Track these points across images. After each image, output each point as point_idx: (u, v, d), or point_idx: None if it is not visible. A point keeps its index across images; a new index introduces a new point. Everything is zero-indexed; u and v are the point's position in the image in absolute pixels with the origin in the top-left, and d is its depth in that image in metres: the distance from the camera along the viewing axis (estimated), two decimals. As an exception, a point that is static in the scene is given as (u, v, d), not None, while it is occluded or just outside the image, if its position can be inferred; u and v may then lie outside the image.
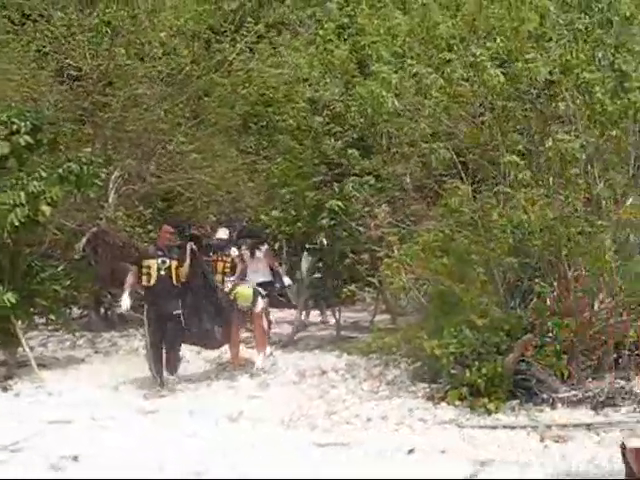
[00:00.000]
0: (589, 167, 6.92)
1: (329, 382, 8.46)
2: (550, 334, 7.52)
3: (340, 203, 8.61)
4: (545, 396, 7.08)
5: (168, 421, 7.02)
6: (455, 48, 7.17)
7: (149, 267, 8.47)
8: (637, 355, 7.73)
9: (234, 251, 9.98)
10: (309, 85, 11.24)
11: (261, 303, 9.17)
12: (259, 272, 9.50)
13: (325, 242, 10.15)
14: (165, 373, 8.46)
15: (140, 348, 10.20)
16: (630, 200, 6.96)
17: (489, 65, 6.64)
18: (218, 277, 9.69)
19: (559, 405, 6.97)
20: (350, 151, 10.10)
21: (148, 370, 8.48)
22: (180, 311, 8.50)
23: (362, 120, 9.25)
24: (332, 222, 9.75)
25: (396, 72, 7.95)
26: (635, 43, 6.55)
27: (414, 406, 7.33)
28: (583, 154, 6.65)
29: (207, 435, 6.51)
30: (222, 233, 10.81)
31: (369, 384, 8.24)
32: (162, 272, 8.47)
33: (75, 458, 5.89)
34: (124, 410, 7.46)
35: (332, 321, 11.63)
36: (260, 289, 9.25)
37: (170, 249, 8.62)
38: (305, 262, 10.86)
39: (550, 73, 6.60)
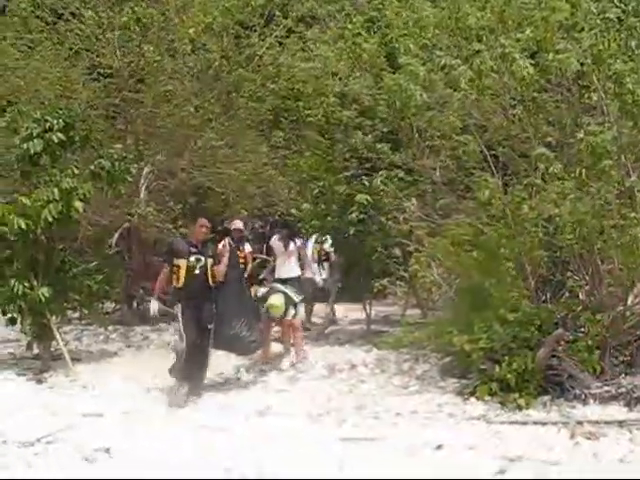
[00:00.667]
0: (622, 159, 6.77)
1: (358, 376, 8.46)
2: (582, 329, 7.41)
3: (369, 197, 8.52)
4: (577, 392, 6.98)
5: (198, 417, 7.06)
6: (484, 39, 7.06)
7: (179, 267, 7.77)
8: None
9: (248, 247, 9.93)
10: (339, 79, 11.22)
11: (299, 312, 9.15)
12: (289, 266, 9.23)
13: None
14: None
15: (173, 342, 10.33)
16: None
17: (518, 56, 6.53)
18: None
19: (591, 401, 6.87)
20: (379, 145, 10.12)
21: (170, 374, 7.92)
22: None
23: (391, 113, 9.19)
24: (362, 216, 9.72)
25: (424, 64, 7.91)
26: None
27: (443, 401, 7.30)
28: (614, 146, 6.51)
29: (236, 430, 6.54)
30: (238, 224, 10.65)
31: (399, 379, 8.22)
32: (197, 271, 7.76)
33: (107, 450, 5.95)
34: (155, 404, 7.55)
35: (363, 316, 11.62)
36: (294, 295, 9.03)
37: (204, 245, 7.96)
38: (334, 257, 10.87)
39: (581, 64, 6.47)
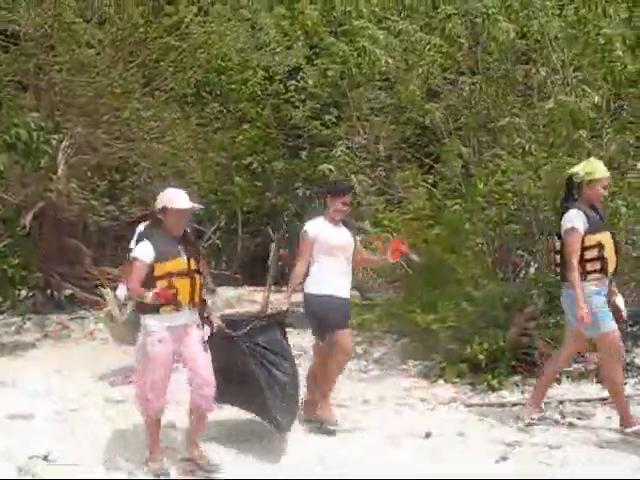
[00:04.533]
0: (599, 129, 6.54)
1: (311, 362, 7.93)
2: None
3: (332, 166, 7.99)
4: (548, 371, 6.73)
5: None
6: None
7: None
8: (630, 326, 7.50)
9: None
10: (271, 50, 10.64)
11: None
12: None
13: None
14: None
15: (96, 331, 9.44)
16: None
17: (501, 19, 6.16)
18: None
19: (563, 379, 6.66)
20: (314, 122, 9.64)
21: None
22: None
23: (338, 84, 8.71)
24: (308, 192, 9.17)
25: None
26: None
27: (410, 385, 6.91)
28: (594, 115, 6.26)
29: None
30: None
31: (355, 363, 7.73)
32: None
33: (45, 458, 5.12)
34: (90, 402, 6.72)
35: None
36: None
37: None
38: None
39: (566, 26, 6.18)
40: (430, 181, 7.84)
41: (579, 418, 5.66)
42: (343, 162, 7.90)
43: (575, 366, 6.83)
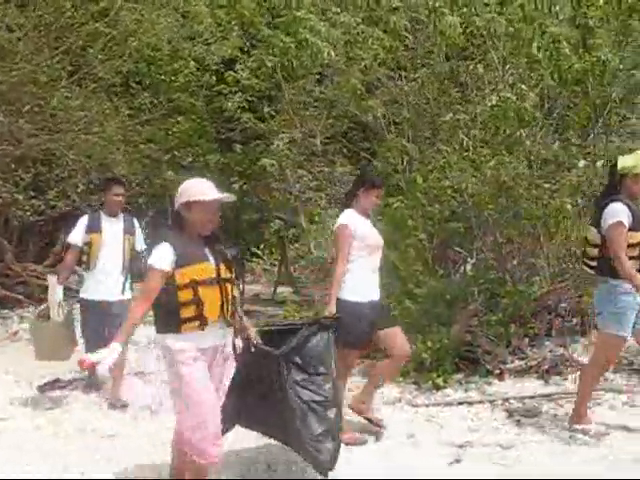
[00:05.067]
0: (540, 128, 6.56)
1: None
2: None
3: (274, 161, 7.73)
4: (489, 367, 6.75)
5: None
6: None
7: None
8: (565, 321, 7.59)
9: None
10: (204, 41, 10.31)
11: None
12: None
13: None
14: None
15: (22, 332, 8.95)
16: (582, 163, 6.67)
17: (447, 12, 6.08)
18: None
19: (506, 376, 6.66)
20: (246, 115, 9.45)
21: None
22: None
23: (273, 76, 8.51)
24: (245, 186, 8.93)
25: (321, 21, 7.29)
26: (598, -3, 6.22)
27: (352, 386, 6.75)
28: (536, 113, 6.27)
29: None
30: None
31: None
32: None
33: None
34: (16, 408, 6.30)
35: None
36: None
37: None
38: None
39: (511, 23, 6.14)
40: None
41: (526, 416, 5.63)
42: (284, 156, 7.68)
43: (517, 363, 6.84)
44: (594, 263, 5.14)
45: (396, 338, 5.16)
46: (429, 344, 6.66)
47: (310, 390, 4.17)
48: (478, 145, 6.74)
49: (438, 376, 6.56)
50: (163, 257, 3.71)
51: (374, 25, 6.87)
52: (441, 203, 6.92)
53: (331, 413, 4.22)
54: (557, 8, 6.12)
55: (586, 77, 5.85)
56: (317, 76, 8.13)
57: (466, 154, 6.72)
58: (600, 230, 5.01)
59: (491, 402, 6.04)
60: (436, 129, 7.18)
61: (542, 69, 6.16)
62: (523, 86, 6.68)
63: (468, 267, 8.26)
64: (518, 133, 6.41)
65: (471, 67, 7.39)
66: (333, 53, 6.75)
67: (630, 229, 4.86)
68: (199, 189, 3.81)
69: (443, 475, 4.55)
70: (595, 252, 5.10)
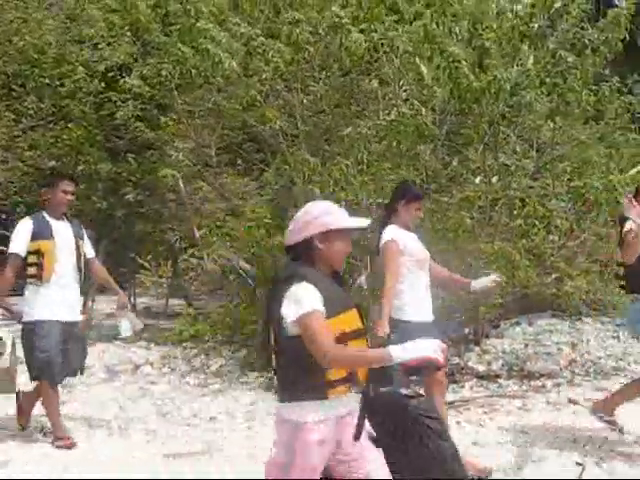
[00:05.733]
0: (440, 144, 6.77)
1: (146, 378, 7.52)
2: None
3: (171, 171, 7.52)
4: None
5: None
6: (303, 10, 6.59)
7: None
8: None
9: None
10: (94, 46, 9.95)
11: None
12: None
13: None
14: None
15: None
16: (478, 179, 6.93)
17: (352, 29, 6.16)
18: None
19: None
20: (138, 124, 9.22)
21: None
22: None
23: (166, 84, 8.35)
24: (138, 197, 8.67)
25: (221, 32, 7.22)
26: (491, 20, 6.48)
27: (255, 399, 6.72)
28: (436, 130, 6.47)
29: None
30: None
31: (194, 377, 7.46)
32: None
33: None
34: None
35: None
36: None
37: None
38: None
39: (411, 42, 6.30)
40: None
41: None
42: (185, 166, 7.53)
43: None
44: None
45: None
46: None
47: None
48: (376, 160, 6.85)
49: (338, 388, 6.59)
50: (313, 298, 2.85)
51: (274, 38, 6.87)
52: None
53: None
54: (457, 29, 6.34)
55: (483, 95, 6.08)
56: (217, 86, 8.03)
57: (367, 168, 6.81)
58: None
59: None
60: (334, 142, 7.25)
61: (435, 86, 6.37)
62: (416, 102, 6.88)
63: (362, 279, 8.40)
64: (418, 148, 6.57)
65: (367, 82, 7.56)
66: (234, 64, 6.68)
67: None
68: (335, 214, 3.04)
69: None
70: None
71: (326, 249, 2.97)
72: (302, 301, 2.82)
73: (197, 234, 8.93)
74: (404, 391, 3.38)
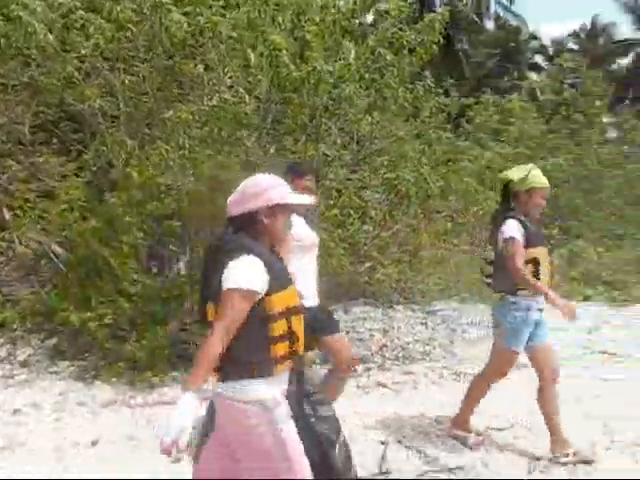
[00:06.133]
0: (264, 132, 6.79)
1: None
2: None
3: None
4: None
5: None
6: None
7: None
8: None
9: None
10: None
11: None
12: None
13: None
14: None
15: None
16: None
17: (174, 9, 6.00)
18: None
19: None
20: None
21: None
22: None
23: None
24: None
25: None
26: (315, 13, 6.59)
27: (64, 389, 6.41)
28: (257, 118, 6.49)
29: None
30: None
31: (-1, 368, 6.98)
32: None
33: None
34: None
35: None
36: None
37: None
38: None
39: (234, 28, 6.25)
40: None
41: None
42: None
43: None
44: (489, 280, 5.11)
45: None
46: (144, 343, 6.56)
47: None
48: (197, 145, 6.77)
49: (154, 375, 6.49)
50: (254, 276, 2.83)
51: (96, 12, 6.56)
52: (159, 200, 6.83)
53: None
54: (280, 19, 6.40)
55: (302, 85, 6.18)
56: (30, 59, 7.52)
57: (187, 153, 6.71)
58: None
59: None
60: (155, 125, 7.07)
61: (259, 74, 6.40)
62: (241, 89, 6.89)
63: (181, 265, 8.29)
64: (238, 134, 6.56)
65: (192, 65, 7.44)
66: (51, 36, 6.30)
67: (525, 246, 4.77)
68: (281, 187, 3.04)
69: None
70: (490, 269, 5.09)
71: (270, 223, 2.97)
72: (242, 275, 2.81)
73: (7, 216, 8.41)
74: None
